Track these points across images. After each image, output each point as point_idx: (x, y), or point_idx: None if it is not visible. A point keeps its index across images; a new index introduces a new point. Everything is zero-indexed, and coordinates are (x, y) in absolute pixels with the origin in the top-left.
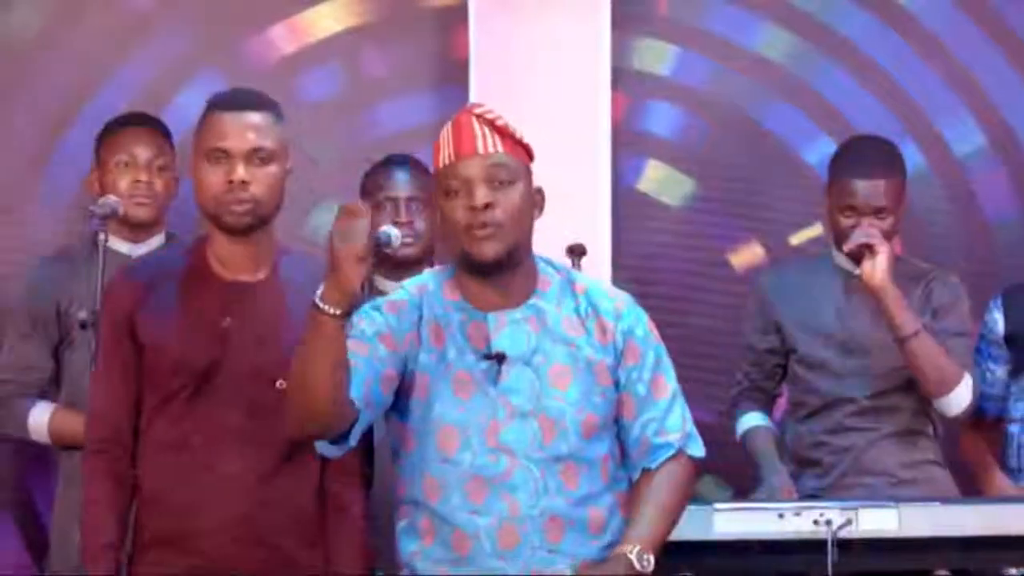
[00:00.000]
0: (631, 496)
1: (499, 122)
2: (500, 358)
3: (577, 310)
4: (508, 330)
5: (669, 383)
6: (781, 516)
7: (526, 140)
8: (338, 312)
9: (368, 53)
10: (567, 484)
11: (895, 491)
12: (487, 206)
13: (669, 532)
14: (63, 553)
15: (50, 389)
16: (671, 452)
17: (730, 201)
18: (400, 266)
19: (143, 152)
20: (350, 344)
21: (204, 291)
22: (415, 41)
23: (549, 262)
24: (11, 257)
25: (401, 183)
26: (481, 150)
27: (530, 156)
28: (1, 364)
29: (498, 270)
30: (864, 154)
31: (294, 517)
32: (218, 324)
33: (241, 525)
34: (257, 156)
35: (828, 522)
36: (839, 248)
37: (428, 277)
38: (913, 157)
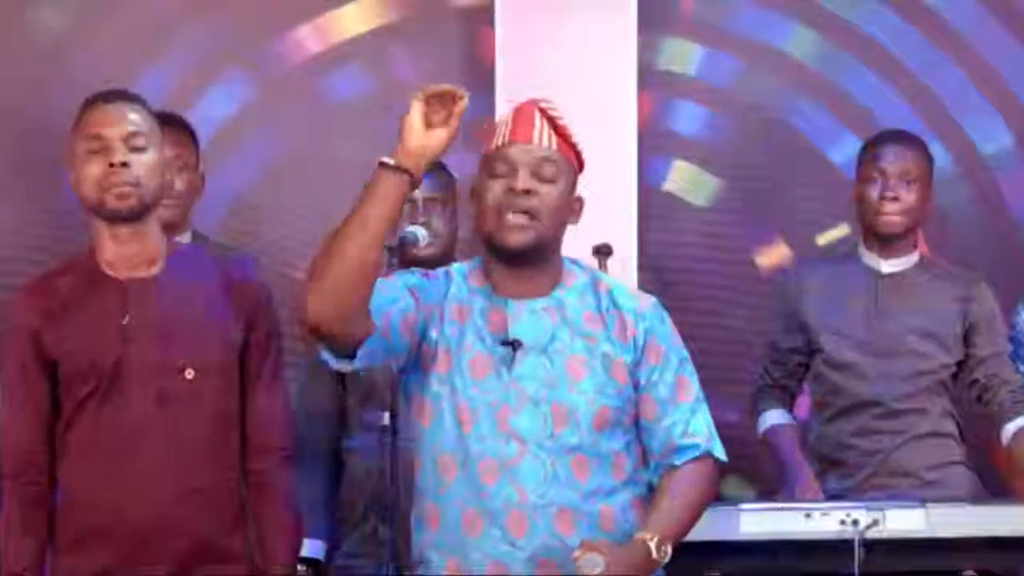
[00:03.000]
0: (654, 492)
1: (559, 121)
2: (516, 345)
3: (599, 306)
4: (527, 318)
5: (693, 386)
6: (808, 516)
7: (580, 147)
8: (403, 167)
9: (394, 53)
10: (577, 476)
11: (922, 492)
12: (527, 192)
13: (690, 526)
14: None
15: None
16: (697, 453)
17: (756, 201)
18: (421, 266)
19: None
20: (378, 283)
21: (101, 294)
22: (441, 41)
23: (576, 262)
24: (39, 256)
25: (420, 184)
26: (535, 140)
27: (580, 164)
28: None
29: (521, 259)
30: (893, 131)
31: (215, 504)
32: (118, 322)
33: (161, 518)
34: (134, 141)
35: (855, 522)
36: (867, 244)
37: (455, 266)
38: (940, 157)
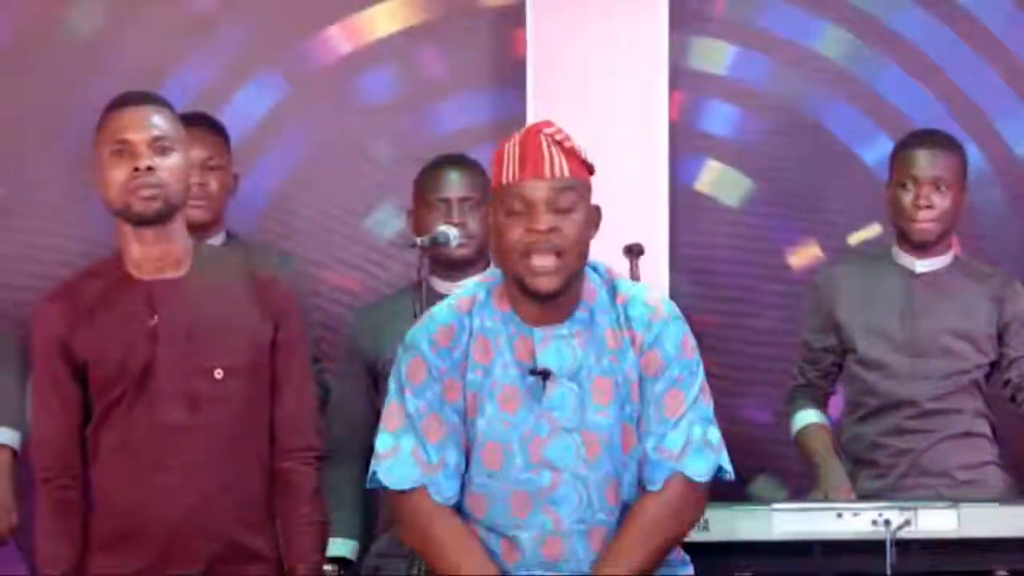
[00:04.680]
0: (622, 522)
1: (567, 143)
2: (545, 375)
3: (617, 322)
4: (553, 345)
5: (686, 401)
6: (840, 516)
7: (588, 157)
8: None
9: (425, 53)
10: (609, 499)
11: (954, 493)
12: (550, 230)
13: (648, 567)
14: None
15: None
16: (666, 472)
17: (788, 201)
18: (454, 267)
19: (196, 153)
20: (430, 424)
21: (128, 296)
22: (472, 41)
23: (595, 267)
24: (72, 259)
25: (453, 183)
26: (548, 173)
27: (591, 171)
28: None
29: (551, 298)
30: (925, 132)
31: (244, 505)
32: (146, 324)
33: (191, 520)
34: (159, 145)
35: (887, 522)
36: (900, 244)
37: (477, 287)
38: (973, 158)
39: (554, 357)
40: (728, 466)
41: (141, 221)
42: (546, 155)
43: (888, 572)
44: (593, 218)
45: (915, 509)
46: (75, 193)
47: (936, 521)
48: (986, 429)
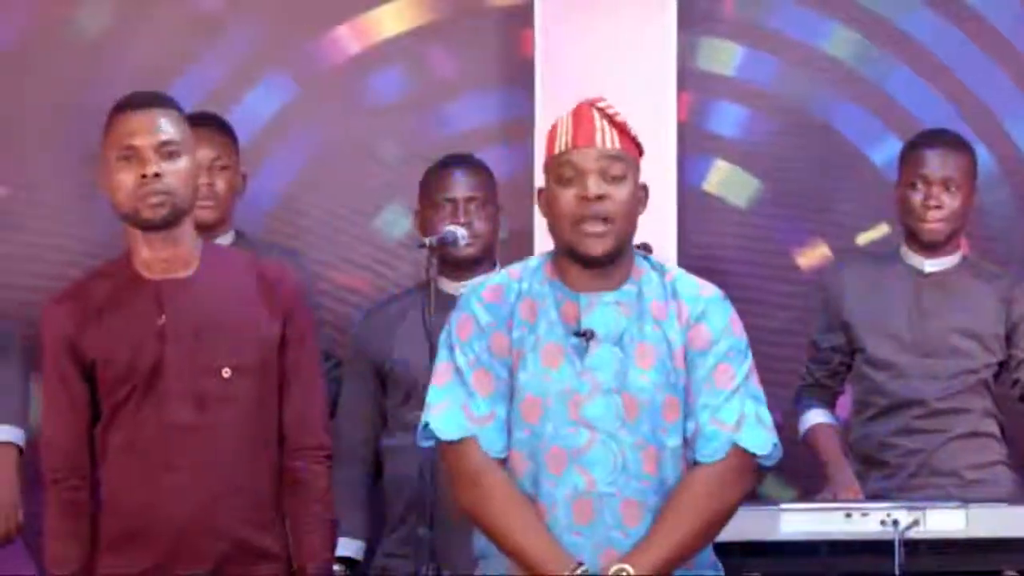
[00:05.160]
0: (671, 492)
1: (618, 117)
2: (589, 335)
3: (665, 295)
4: (599, 311)
5: (737, 376)
6: (848, 516)
7: (636, 135)
8: None
9: (434, 53)
10: (646, 466)
11: (963, 492)
12: (599, 198)
13: (692, 549)
14: None
15: None
16: (720, 443)
17: (796, 201)
18: (460, 267)
19: (204, 153)
20: (479, 378)
21: (136, 296)
22: (481, 41)
23: (646, 257)
24: (77, 259)
25: (460, 183)
26: (599, 142)
27: (641, 152)
28: None
29: (601, 263)
30: (935, 132)
31: (253, 504)
32: (154, 323)
33: (199, 519)
34: (166, 150)
35: (895, 522)
36: (909, 244)
37: (534, 259)
38: (982, 158)
39: (599, 321)
40: (779, 451)
41: (148, 227)
42: (598, 126)
43: (896, 572)
44: (641, 195)
45: (923, 509)
46: (79, 193)
47: (944, 521)
48: (995, 429)
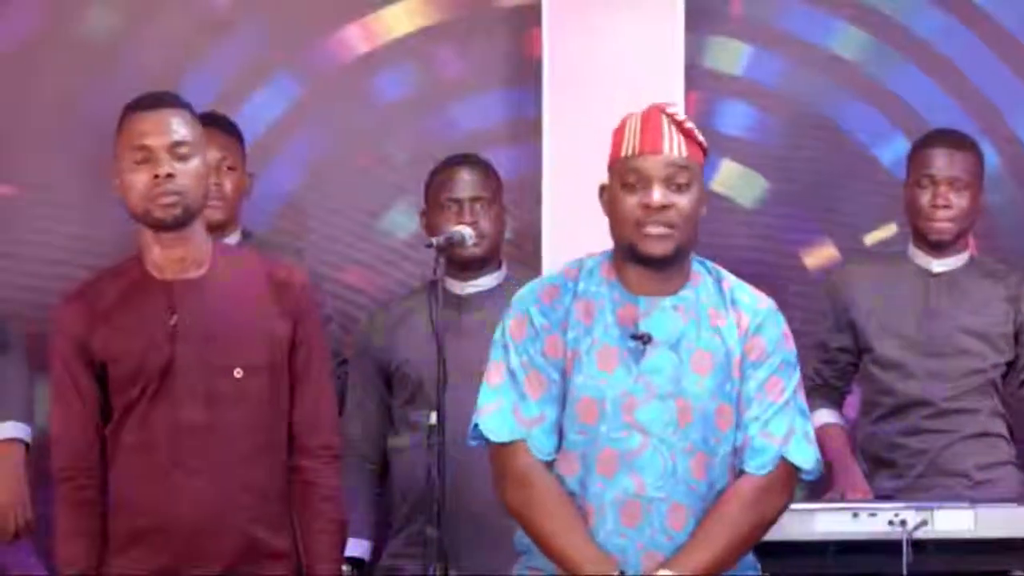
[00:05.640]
0: (716, 499)
1: (687, 124)
2: (646, 339)
3: (722, 303)
4: (657, 315)
5: (787, 389)
6: (856, 516)
7: (702, 139)
8: None
9: (442, 53)
10: (694, 473)
11: (971, 493)
12: (663, 207)
13: (733, 557)
14: None
15: None
16: (768, 457)
17: (803, 201)
18: (466, 267)
19: (211, 154)
20: (531, 380)
21: (148, 296)
22: (489, 41)
23: (701, 262)
24: (82, 259)
25: (464, 184)
26: (667, 150)
27: (706, 153)
28: None
29: (661, 265)
30: (942, 132)
31: (265, 503)
32: (166, 323)
33: (210, 519)
34: (179, 151)
35: (903, 523)
36: (916, 244)
37: (590, 259)
38: (989, 157)
39: (657, 325)
40: (821, 466)
41: (161, 227)
42: (665, 133)
43: (904, 573)
44: (704, 198)
45: (932, 509)
46: (85, 194)
47: (953, 521)
48: (1003, 429)
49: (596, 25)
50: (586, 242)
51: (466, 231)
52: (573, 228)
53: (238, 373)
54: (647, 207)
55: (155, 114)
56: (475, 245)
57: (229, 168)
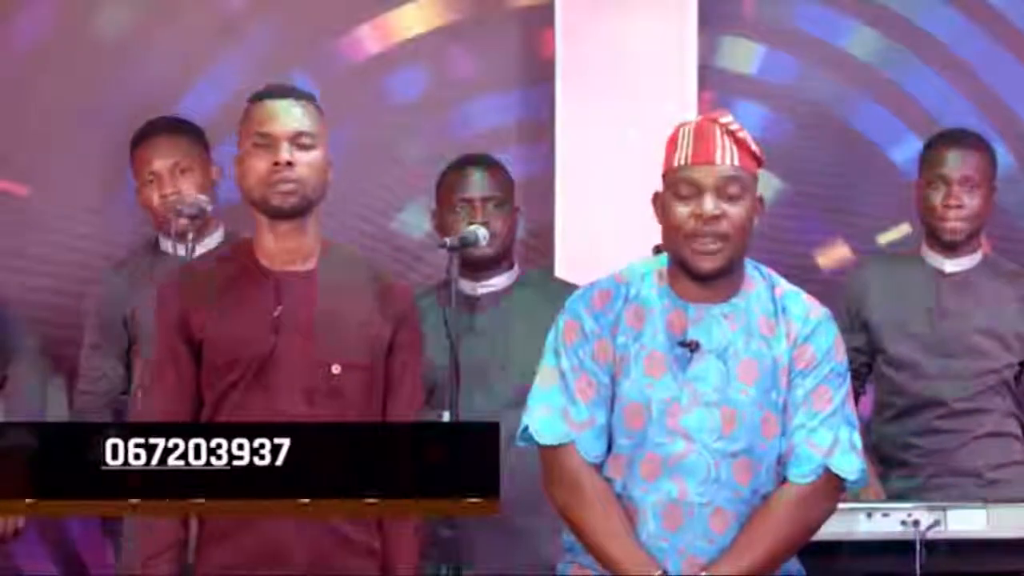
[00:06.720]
0: (759, 506)
1: (740, 134)
2: (694, 346)
3: (773, 312)
4: (706, 322)
5: (835, 400)
6: (869, 516)
7: (757, 148)
8: None
9: (454, 53)
10: (737, 478)
11: (984, 492)
12: (715, 218)
13: (775, 563)
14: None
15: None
16: (812, 466)
17: (817, 201)
18: (478, 267)
19: (175, 159)
20: (581, 383)
21: (254, 284)
22: (501, 41)
23: (757, 267)
24: (95, 260)
25: (476, 184)
26: (719, 160)
27: (760, 164)
28: (79, 376)
29: (712, 279)
30: (955, 132)
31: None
32: (270, 314)
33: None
34: (301, 140)
35: (916, 523)
36: (929, 244)
37: (642, 264)
38: (1004, 158)
39: (705, 333)
40: (866, 476)
41: (277, 215)
42: (718, 143)
43: (917, 573)
44: (757, 208)
45: (944, 509)
46: (101, 193)
47: (966, 521)
48: (1016, 429)
49: (609, 25)
50: (599, 241)
51: (480, 231)
52: (586, 228)
53: (336, 369)
54: (699, 217)
55: (279, 103)
56: (488, 245)
57: (184, 171)
